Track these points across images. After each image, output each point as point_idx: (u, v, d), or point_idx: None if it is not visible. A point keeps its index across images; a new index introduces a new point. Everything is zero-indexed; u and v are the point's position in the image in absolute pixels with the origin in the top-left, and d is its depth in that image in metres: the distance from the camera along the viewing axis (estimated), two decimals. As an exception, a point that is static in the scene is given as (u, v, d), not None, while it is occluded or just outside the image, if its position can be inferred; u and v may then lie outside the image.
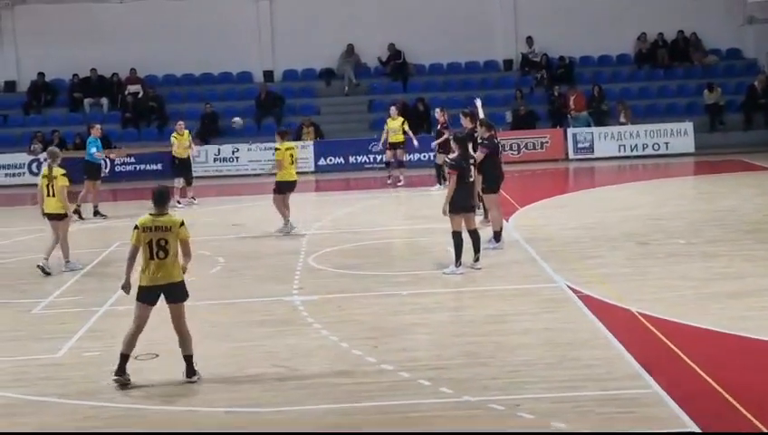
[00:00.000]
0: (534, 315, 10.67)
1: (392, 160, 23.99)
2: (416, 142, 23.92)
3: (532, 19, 30.78)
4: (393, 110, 24.20)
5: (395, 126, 23.71)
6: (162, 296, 8.89)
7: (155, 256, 8.72)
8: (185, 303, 8.97)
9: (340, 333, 10.20)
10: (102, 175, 20.07)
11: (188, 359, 8.86)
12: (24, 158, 26.86)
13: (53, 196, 13.86)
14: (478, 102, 16.40)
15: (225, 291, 12.64)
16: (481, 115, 15.71)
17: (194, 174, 21.70)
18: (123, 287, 9.07)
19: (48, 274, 13.76)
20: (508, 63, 31.46)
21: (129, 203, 20.95)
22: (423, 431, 7.55)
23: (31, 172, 26.22)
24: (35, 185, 14.89)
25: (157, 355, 9.70)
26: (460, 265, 12.89)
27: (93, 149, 19.81)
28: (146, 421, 7.99)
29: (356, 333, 10.24)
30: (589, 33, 30.61)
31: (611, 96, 29.53)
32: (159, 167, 26.91)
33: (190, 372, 8.83)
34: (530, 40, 30.90)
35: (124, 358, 8.78)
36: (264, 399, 8.35)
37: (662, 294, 11.39)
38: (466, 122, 15.73)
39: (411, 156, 26.11)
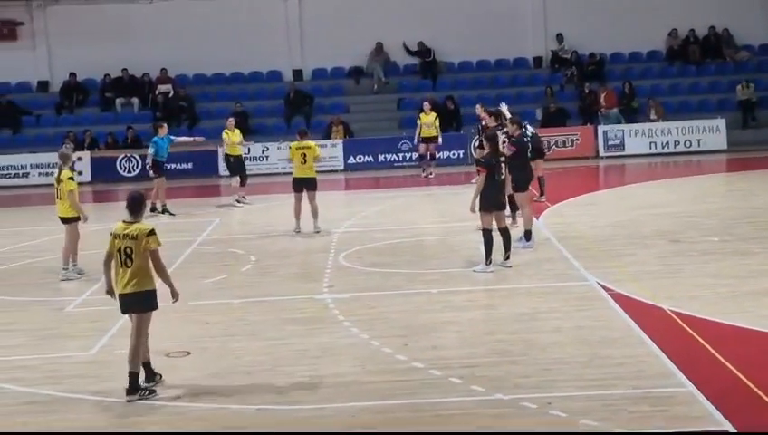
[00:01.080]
0: (566, 313, 10.61)
1: (425, 154, 24.61)
2: (440, 139, 24.51)
3: (561, 16, 30.65)
4: (426, 105, 24.85)
5: (428, 121, 24.32)
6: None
7: (123, 264, 8.53)
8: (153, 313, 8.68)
9: (370, 332, 10.20)
10: (160, 173, 19.92)
11: (132, 376, 8.48)
12: (56, 157, 27.02)
13: (61, 199, 13.69)
14: (504, 107, 16.27)
15: (256, 289, 12.69)
16: (508, 116, 15.55)
17: (234, 172, 21.51)
18: (107, 292, 8.84)
19: (81, 274, 13.81)
20: (538, 61, 31.35)
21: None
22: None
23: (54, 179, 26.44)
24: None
25: (188, 353, 9.76)
26: (490, 263, 12.85)
27: (151, 150, 19.88)
28: (177, 419, 8.03)
29: (386, 331, 10.23)
30: (619, 30, 30.44)
31: (642, 93, 29.33)
32: (190, 166, 27.12)
33: (132, 390, 8.42)
34: (560, 37, 30.77)
35: (144, 366, 8.66)
36: (296, 396, 8.36)
37: (695, 292, 11.29)
38: (490, 121, 15.63)
39: (441, 153, 26.17)
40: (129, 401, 8.40)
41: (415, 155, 27.10)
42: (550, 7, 30.90)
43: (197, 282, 13.20)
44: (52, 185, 14.21)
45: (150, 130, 28.72)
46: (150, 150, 19.94)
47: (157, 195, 19.87)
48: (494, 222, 12.97)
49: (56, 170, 14.05)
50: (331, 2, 30.72)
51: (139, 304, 8.56)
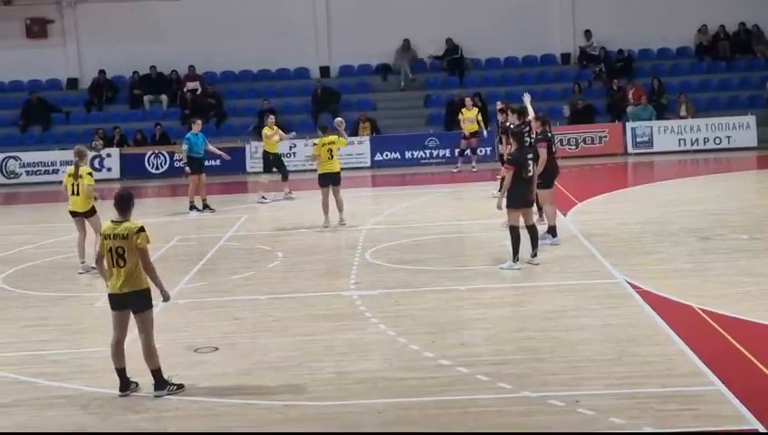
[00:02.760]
0: (593, 311, 10.57)
1: (466, 149, 24.92)
2: (485, 133, 24.78)
3: (589, 12, 30.49)
4: (468, 100, 25.04)
5: (470, 116, 24.57)
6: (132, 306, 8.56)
7: (115, 264, 8.39)
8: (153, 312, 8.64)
9: (397, 328, 10.20)
10: (196, 168, 19.93)
11: (155, 373, 8.49)
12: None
13: (78, 194, 13.82)
14: (527, 98, 16.21)
15: (284, 285, 12.73)
16: (530, 111, 15.44)
17: (268, 169, 21.58)
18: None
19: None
20: (566, 57, 31.20)
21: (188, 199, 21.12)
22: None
23: (93, 168, 26.64)
24: (96, 181, 14.96)
25: (216, 348, 9.82)
26: (518, 260, 12.82)
27: (185, 146, 19.97)
28: (204, 414, 8.07)
29: (414, 328, 10.23)
30: (648, 26, 30.24)
31: (671, 89, 29.11)
32: (218, 162, 27.20)
33: (159, 385, 8.46)
34: (588, 33, 30.61)
35: (119, 372, 8.55)
36: (323, 392, 8.39)
37: (725, 290, 11.21)
38: (513, 118, 15.57)
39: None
40: (157, 397, 8.43)
41: (442, 152, 27.15)
42: (578, 3, 30.75)
43: (225, 278, 13.28)
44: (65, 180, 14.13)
45: (177, 126, 29.13)
46: (184, 147, 20.04)
47: (195, 192, 19.93)
48: (522, 219, 12.94)
49: (72, 166, 14.03)
50: (358, -2, 30.78)
51: (137, 303, 8.48)
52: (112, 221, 8.57)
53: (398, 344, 9.69)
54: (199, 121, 20.64)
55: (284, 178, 21.31)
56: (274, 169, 21.38)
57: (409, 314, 10.85)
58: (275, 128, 21.36)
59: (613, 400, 7.82)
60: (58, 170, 27.74)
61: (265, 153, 21.35)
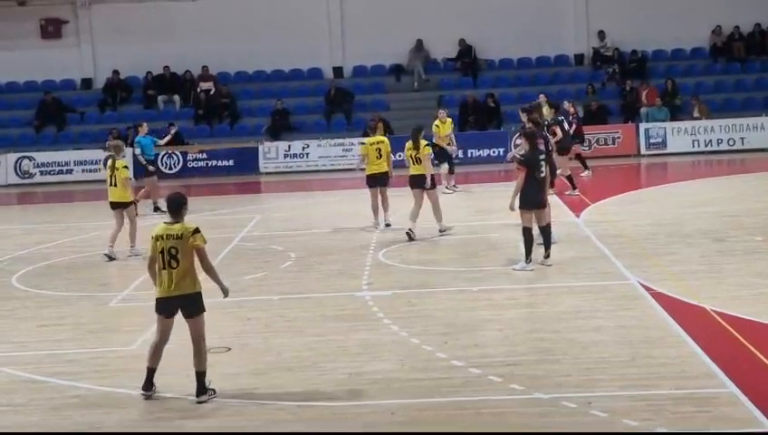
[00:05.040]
0: (607, 313, 10.56)
1: None
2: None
3: (603, 13, 30.44)
4: (542, 97, 24.69)
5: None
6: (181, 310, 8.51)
7: (166, 266, 8.31)
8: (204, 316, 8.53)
9: (410, 329, 10.21)
10: (152, 171, 20.23)
11: (200, 376, 8.42)
12: (100, 154, 27.41)
13: (115, 186, 14.94)
14: (566, 104, 16.17)
15: (296, 285, 12.76)
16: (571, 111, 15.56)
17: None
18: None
19: (113, 259, 14.78)
20: (579, 58, 31.16)
21: (202, 199, 21.23)
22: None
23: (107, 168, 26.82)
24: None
25: (229, 349, 9.85)
26: (530, 261, 12.81)
27: (137, 150, 20.21)
28: (217, 414, 8.10)
29: (426, 328, 10.24)
30: (662, 27, 30.17)
31: (686, 90, 29.02)
32: (231, 163, 27.34)
33: (200, 390, 8.38)
34: (601, 34, 30.56)
35: (150, 372, 8.53)
36: (335, 393, 8.41)
37: (738, 292, 11.17)
38: (524, 118, 15.54)
39: (481, 151, 26.11)
40: (199, 403, 8.31)
41: (461, 153, 27.15)
42: (591, 4, 30.70)
43: (238, 278, 13.29)
44: (97, 181, 15.31)
45: (191, 127, 29.23)
46: (137, 151, 20.26)
47: (148, 194, 19.97)
48: (534, 220, 12.94)
49: (109, 160, 15.37)
50: (371, -1, 30.80)
51: (189, 307, 8.42)
52: (165, 223, 8.52)
53: (411, 345, 9.69)
54: (145, 124, 20.88)
55: (451, 171, 21.42)
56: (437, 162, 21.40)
57: (422, 314, 10.86)
58: (448, 120, 21.33)
59: (626, 401, 7.81)
60: (72, 170, 27.96)
61: (434, 145, 21.38)
